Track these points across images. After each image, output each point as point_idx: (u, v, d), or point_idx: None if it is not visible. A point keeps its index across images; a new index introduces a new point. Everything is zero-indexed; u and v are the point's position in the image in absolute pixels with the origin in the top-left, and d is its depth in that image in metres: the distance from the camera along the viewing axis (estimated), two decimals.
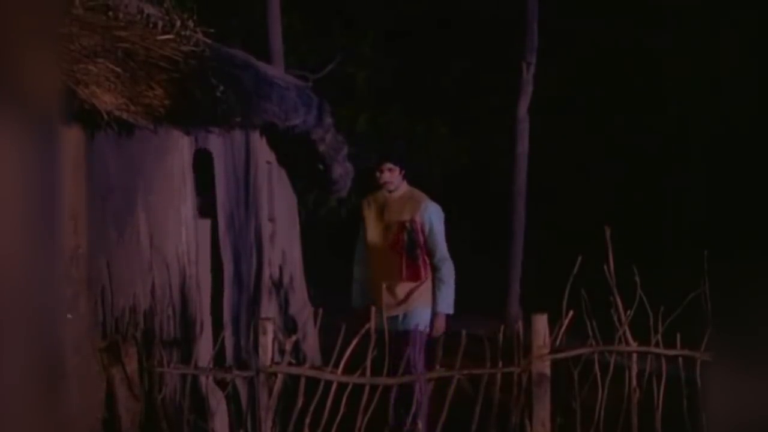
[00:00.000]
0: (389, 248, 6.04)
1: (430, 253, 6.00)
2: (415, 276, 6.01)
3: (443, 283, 5.98)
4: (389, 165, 6.12)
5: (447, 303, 5.95)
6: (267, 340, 4.42)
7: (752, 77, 0.94)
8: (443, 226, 6.09)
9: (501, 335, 4.39)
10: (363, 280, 6.26)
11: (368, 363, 4.36)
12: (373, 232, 6.19)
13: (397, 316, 5.90)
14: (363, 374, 4.35)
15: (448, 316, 5.95)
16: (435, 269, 6.00)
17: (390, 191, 6.11)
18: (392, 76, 13.98)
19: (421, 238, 6.01)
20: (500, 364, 4.43)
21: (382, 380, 4.36)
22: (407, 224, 6.01)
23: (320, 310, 4.65)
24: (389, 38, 13.83)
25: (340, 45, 13.32)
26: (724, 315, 1.01)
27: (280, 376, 4.38)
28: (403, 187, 6.17)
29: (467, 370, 4.41)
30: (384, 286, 6.05)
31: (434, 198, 6.30)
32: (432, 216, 6.05)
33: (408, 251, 6.00)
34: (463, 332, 4.31)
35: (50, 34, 0.79)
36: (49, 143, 0.80)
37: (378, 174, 6.16)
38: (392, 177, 6.13)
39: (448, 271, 5.98)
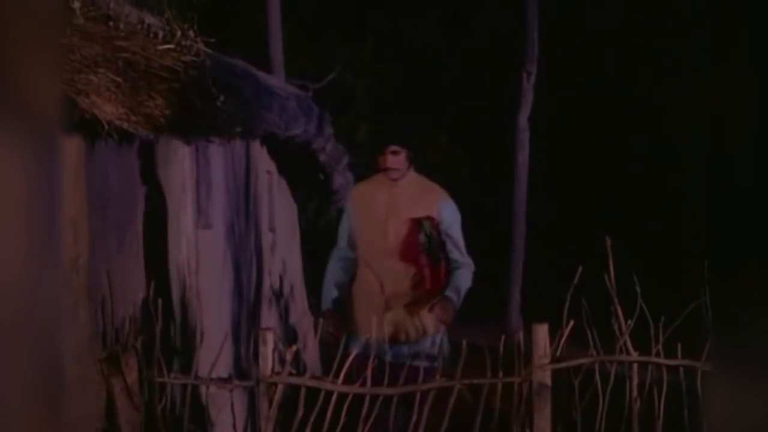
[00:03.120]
0: (399, 252, 4.79)
1: (449, 258, 4.89)
2: (439, 286, 4.81)
3: (460, 279, 4.84)
4: (394, 147, 4.81)
5: (457, 294, 4.79)
6: (267, 350, 4.41)
7: (750, 84, 0.94)
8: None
9: (502, 345, 4.38)
10: (344, 284, 4.96)
11: (369, 373, 4.34)
12: (372, 232, 4.86)
13: (405, 345, 4.75)
14: (363, 384, 4.34)
15: (453, 308, 4.78)
16: (452, 270, 4.89)
17: (394, 179, 4.84)
18: (392, 85, 14.00)
19: (440, 241, 4.86)
20: (501, 373, 4.42)
21: (383, 390, 4.34)
22: (424, 222, 4.81)
23: (321, 320, 4.64)
24: (389, 48, 13.85)
25: (341, 54, 13.34)
26: (724, 324, 1.01)
27: (280, 386, 4.37)
28: (411, 176, 4.89)
29: (468, 380, 4.40)
30: (387, 301, 4.80)
31: None
32: (453, 214, 4.92)
33: (429, 256, 4.81)
34: (464, 342, 4.30)
35: (51, 43, 0.79)
36: (49, 153, 0.80)
37: (380, 158, 4.87)
38: (398, 162, 4.82)
39: (467, 273, 4.88)
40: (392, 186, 4.86)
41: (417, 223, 4.80)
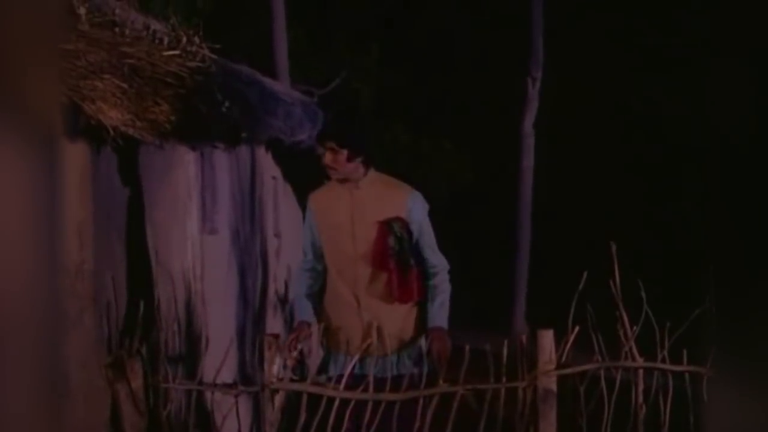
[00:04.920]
0: (371, 259, 4.40)
1: (422, 260, 4.50)
2: (407, 295, 4.42)
3: (441, 292, 4.47)
4: (332, 144, 4.37)
5: (443, 315, 4.47)
6: (272, 356, 4.41)
7: (755, 88, 0.94)
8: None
9: (505, 349, 4.36)
10: (314, 295, 4.61)
11: (371, 379, 4.32)
12: (339, 241, 4.46)
13: (386, 357, 4.38)
14: (366, 390, 4.32)
15: (447, 337, 4.44)
16: (428, 276, 4.51)
17: (355, 181, 4.43)
18: (397, 91, 14.01)
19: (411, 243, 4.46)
20: (504, 379, 4.40)
21: (386, 396, 4.32)
22: (393, 224, 4.40)
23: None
24: (394, 54, 13.87)
25: (345, 60, 13.36)
26: (729, 331, 1.00)
27: (281, 392, 4.35)
28: (371, 176, 4.46)
29: (471, 386, 4.38)
30: (361, 312, 4.44)
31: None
32: (422, 211, 4.51)
33: (399, 261, 4.39)
34: (467, 347, 4.28)
35: (52, 47, 0.79)
36: (50, 157, 0.80)
37: (321, 153, 4.48)
38: (337, 162, 4.38)
39: (444, 278, 4.51)
40: (353, 188, 4.44)
41: (386, 226, 4.40)
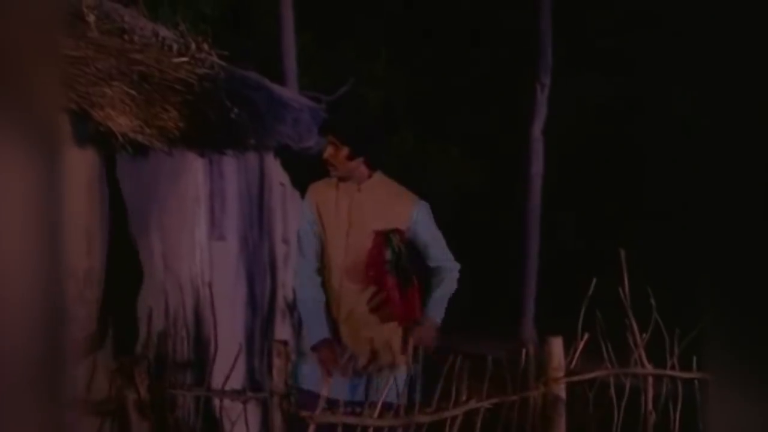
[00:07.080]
0: (362, 269, 4.05)
1: (432, 259, 4.15)
2: (411, 312, 4.07)
3: (445, 286, 4.13)
4: (333, 138, 4.03)
5: (440, 308, 4.12)
6: (281, 362, 4.39)
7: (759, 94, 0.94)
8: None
9: (523, 359, 4.32)
10: (322, 302, 4.12)
11: (402, 405, 3.98)
12: (331, 246, 4.11)
13: (373, 379, 4.05)
14: (396, 415, 3.91)
15: (436, 328, 4.12)
16: (436, 273, 4.15)
17: (357, 183, 4.10)
18: (405, 97, 14.03)
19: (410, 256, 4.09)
20: (516, 388, 4.37)
21: (414, 419, 3.95)
22: (391, 236, 4.04)
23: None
24: (402, 60, 13.88)
25: (354, 66, 13.39)
26: (730, 335, 1.00)
27: (293, 398, 4.27)
28: (375, 180, 4.11)
29: (493, 400, 4.25)
30: (350, 329, 4.10)
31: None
32: (428, 222, 4.15)
33: (399, 276, 4.04)
34: (489, 358, 4.18)
35: (55, 52, 0.79)
36: (56, 163, 0.80)
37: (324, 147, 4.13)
38: (337, 158, 4.04)
39: (454, 276, 4.16)
40: (354, 191, 4.08)
41: (383, 237, 4.03)
